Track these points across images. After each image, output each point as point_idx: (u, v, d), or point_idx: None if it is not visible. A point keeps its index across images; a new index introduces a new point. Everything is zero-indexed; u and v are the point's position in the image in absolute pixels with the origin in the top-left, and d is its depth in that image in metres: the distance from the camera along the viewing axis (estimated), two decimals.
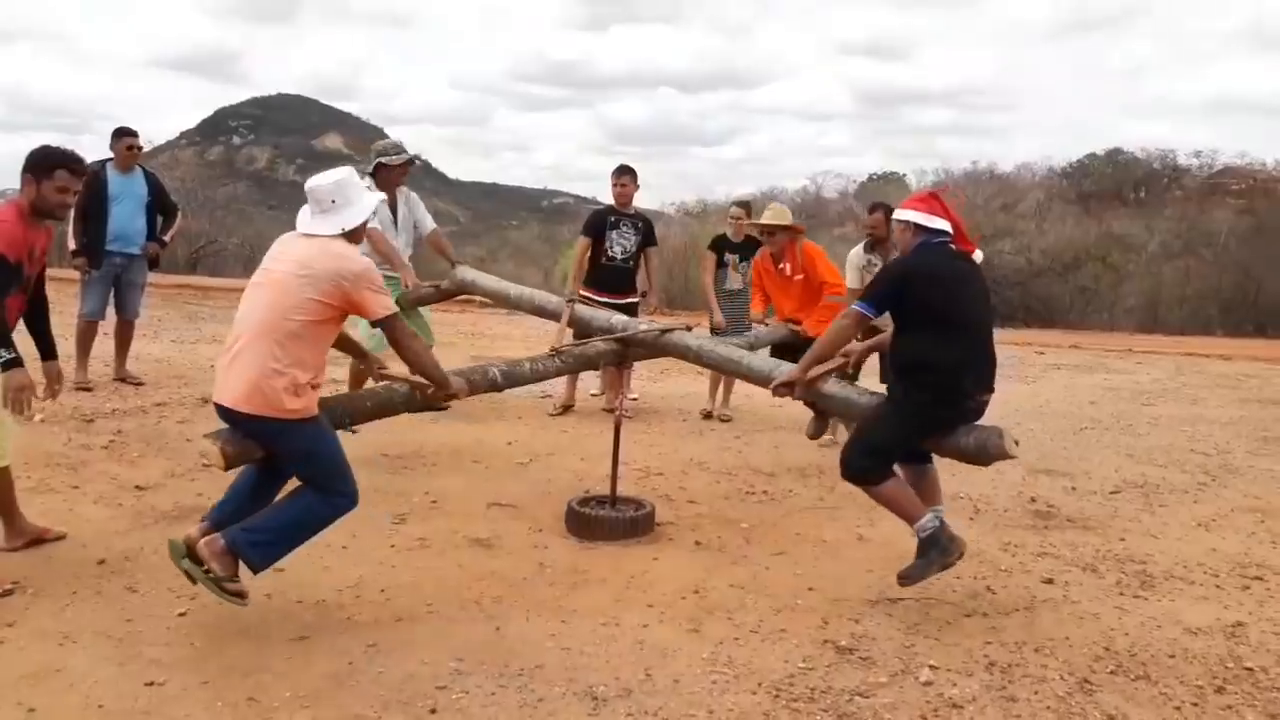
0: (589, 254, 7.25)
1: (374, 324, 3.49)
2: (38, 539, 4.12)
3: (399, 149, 5.98)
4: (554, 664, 3.24)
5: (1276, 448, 7.47)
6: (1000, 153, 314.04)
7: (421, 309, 6.18)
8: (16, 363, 3.64)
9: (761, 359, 4.78)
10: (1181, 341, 18.79)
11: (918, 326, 3.85)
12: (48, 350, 4.08)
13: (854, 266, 6.85)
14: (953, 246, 3.99)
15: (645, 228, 7.36)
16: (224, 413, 3.40)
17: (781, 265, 6.29)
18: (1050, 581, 4.24)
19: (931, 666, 3.33)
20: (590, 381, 8.11)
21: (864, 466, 3.89)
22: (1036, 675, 3.32)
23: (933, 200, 4.06)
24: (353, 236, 3.51)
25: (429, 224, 6.25)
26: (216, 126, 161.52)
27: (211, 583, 3.28)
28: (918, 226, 3.98)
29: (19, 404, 3.68)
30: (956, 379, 3.76)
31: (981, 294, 4.00)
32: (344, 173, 3.59)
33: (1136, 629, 3.75)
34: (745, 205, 8.14)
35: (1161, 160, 46.52)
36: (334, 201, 3.46)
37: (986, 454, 3.74)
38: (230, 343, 3.39)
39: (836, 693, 3.12)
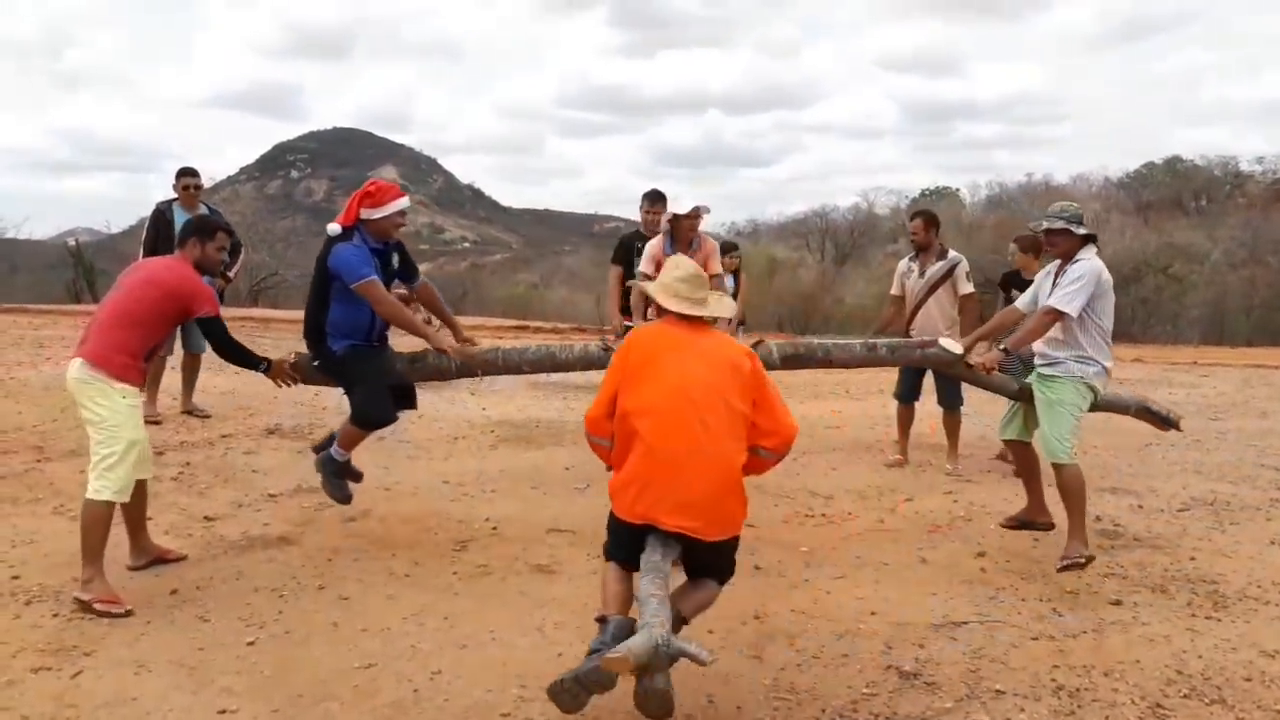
0: (621, 282, 6.95)
1: None
2: (159, 558, 4.40)
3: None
4: (616, 691, 3.24)
5: None
6: (1054, 165, 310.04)
7: None
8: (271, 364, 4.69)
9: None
10: (1248, 353, 18.35)
11: None
12: None
13: (898, 274, 6.95)
14: None
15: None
16: None
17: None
18: (1118, 603, 4.16)
19: (998, 691, 3.29)
20: None
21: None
22: (1107, 700, 3.26)
23: None
24: None
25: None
26: (275, 161, 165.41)
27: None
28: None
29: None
30: None
31: None
32: None
33: (1210, 651, 3.67)
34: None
35: (1222, 167, 45.66)
36: None
37: None
38: None
39: (901, 718, 3.09)
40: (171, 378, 7.60)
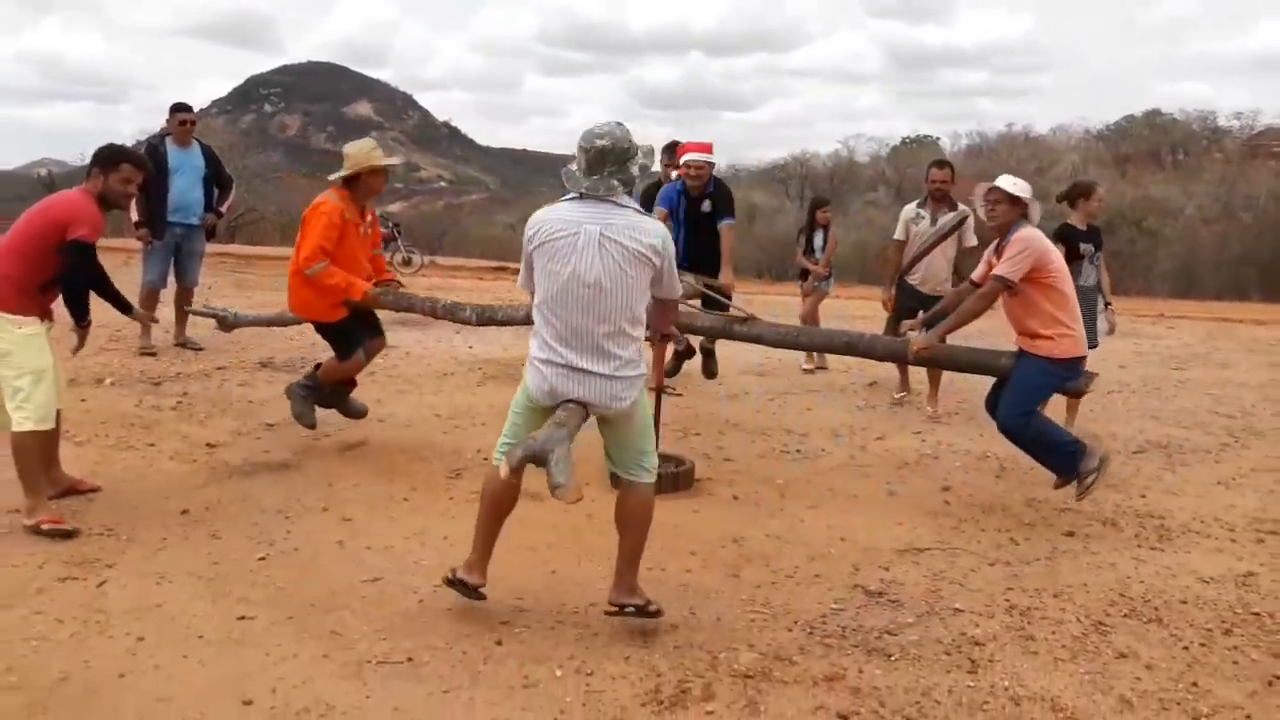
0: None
1: None
2: (72, 489, 4.40)
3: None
4: (605, 603, 3.52)
5: None
6: (1036, 115, 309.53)
7: None
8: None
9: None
10: (1215, 307, 18.75)
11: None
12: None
13: (903, 220, 7.09)
14: None
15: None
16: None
17: (369, 217, 5.39)
18: (1071, 534, 4.47)
19: (956, 609, 3.59)
20: None
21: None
22: (1055, 618, 3.56)
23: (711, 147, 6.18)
24: None
25: None
26: (248, 95, 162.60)
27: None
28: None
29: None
30: None
31: None
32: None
33: (1151, 577, 3.98)
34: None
35: (1201, 121, 45.87)
36: None
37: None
38: (1077, 310, 4.64)
39: (866, 630, 3.38)
40: (163, 310, 7.74)
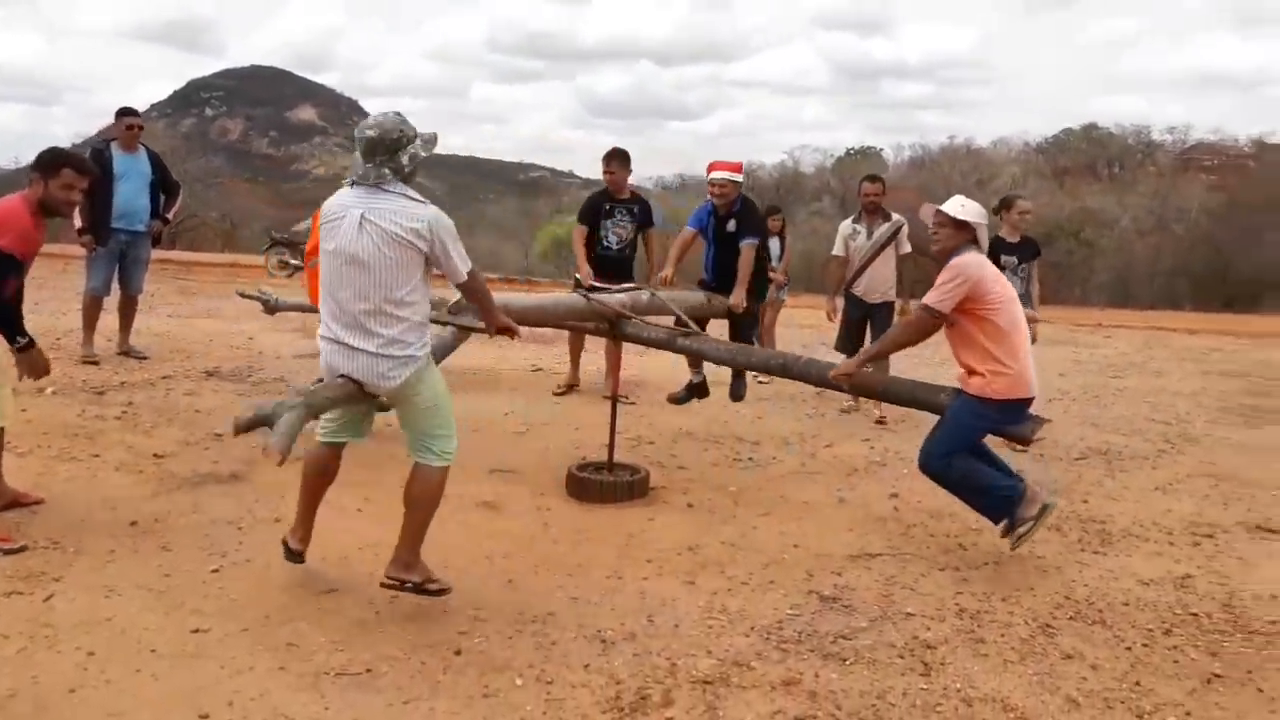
0: (588, 240, 7.19)
1: None
2: (15, 502, 4.26)
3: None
4: (564, 612, 3.54)
5: (1234, 417, 7.86)
6: (977, 127, 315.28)
7: None
8: (32, 344, 4.05)
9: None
10: (1150, 316, 19.27)
11: (765, 246, 5.87)
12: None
13: (841, 236, 7.28)
14: None
15: (642, 212, 7.31)
16: (1032, 401, 4.19)
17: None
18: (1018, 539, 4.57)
19: (908, 613, 3.66)
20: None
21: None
22: (1003, 620, 3.65)
23: (741, 166, 5.78)
24: None
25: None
26: (188, 99, 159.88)
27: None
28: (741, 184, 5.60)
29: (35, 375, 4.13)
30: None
31: None
32: None
33: (1095, 580, 4.09)
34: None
35: (1136, 135, 47.11)
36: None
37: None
38: (1025, 345, 4.16)
39: (822, 635, 3.44)
40: (106, 319, 7.61)
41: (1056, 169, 43.29)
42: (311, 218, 5.69)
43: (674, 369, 8.72)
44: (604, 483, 4.88)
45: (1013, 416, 4.16)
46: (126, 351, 7.46)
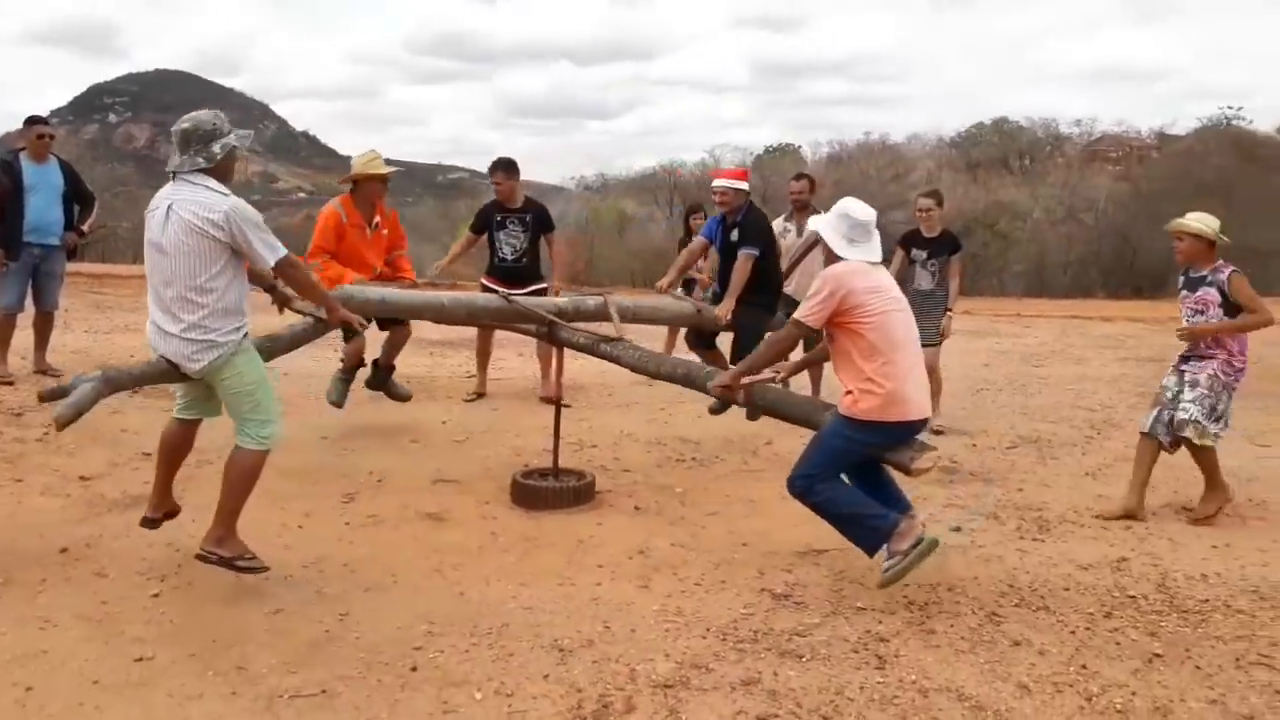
0: (489, 247, 7.30)
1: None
2: None
3: (228, 123, 3.83)
4: (519, 622, 3.51)
5: None
6: (892, 123, 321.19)
7: None
8: None
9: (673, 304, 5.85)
10: (1066, 305, 19.83)
11: (767, 256, 5.83)
12: None
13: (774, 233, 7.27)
14: None
15: (535, 218, 7.28)
16: (918, 425, 3.84)
17: (375, 220, 5.96)
18: (958, 529, 4.67)
19: (859, 608, 3.71)
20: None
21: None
22: (951, 611, 3.72)
23: (747, 173, 5.84)
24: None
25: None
26: (90, 104, 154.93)
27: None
28: (746, 192, 5.81)
29: None
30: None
31: None
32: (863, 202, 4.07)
33: (1036, 567, 4.19)
34: (936, 194, 7.43)
35: (1044, 128, 48.30)
36: (873, 231, 3.96)
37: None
38: (909, 362, 3.78)
39: (777, 634, 3.46)
40: (20, 337, 7.34)
41: (970, 163, 44.19)
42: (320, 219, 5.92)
43: (608, 372, 8.72)
44: (550, 489, 4.85)
45: (885, 440, 3.78)
46: (44, 370, 7.19)
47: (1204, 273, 4.99)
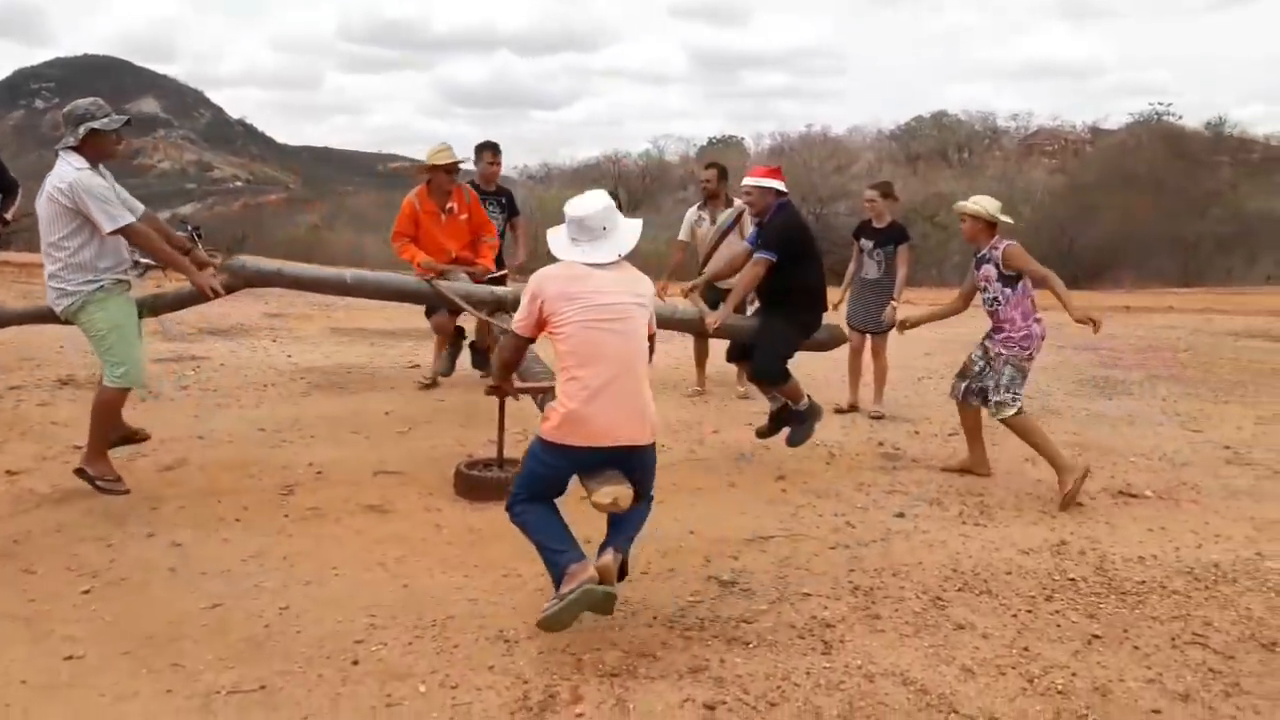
0: None
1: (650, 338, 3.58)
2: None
3: (105, 109, 4.48)
4: (464, 613, 3.47)
5: (1090, 389, 8.28)
6: (833, 116, 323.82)
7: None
8: None
9: (685, 308, 5.59)
10: None
11: (797, 262, 5.18)
12: None
13: (686, 223, 7.56)
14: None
15: (509, 201, 7.51)
16: (610, 453, 3.33)
17: (450, 205, 6.39)
18: (901, 515, 4.71)
19: (805, 594, 3.72)
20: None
21: (780, 370, 5.17)
22: (896, 596, 3.74)
23: (779, 171, 5.49)
24: None
25: (139, 206, 4.70)
26: (15, 89, 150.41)
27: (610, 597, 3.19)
28: (775, 191, 5.27)
29: None
30: (823, 298, 5.42)
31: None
32: (605, 196, 3.54)
33: (978, 552, 4.24)
34: (883, 186, 7.44)
35: (982, 122, 49.14)
36: (604, 228, 3.45)
37: (835, 340, 5.63)
38: (596, 383, 3.26)
39: (723, 621, 3.46)
40: None
41: (910, 155, 44.78)
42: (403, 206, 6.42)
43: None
44: (495, 480, 4.80)
45: (569, 464, 3.41)
46: None
47: (984, 250, 5.37)
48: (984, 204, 5.39)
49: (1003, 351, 5.27)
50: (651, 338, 3.58)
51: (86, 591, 3.57)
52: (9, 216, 6.93)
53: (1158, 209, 28.69)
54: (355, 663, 3.11)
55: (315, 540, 4.17)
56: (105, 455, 4.56)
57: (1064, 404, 7.55)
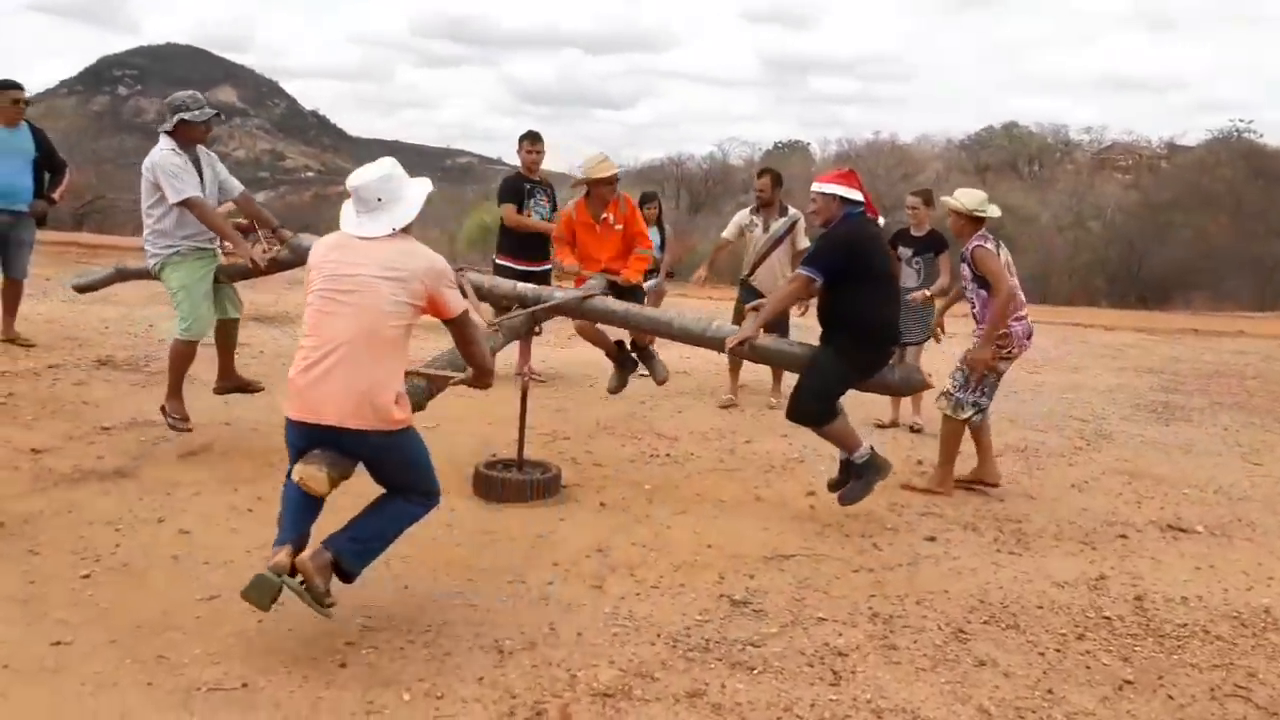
0: (504, 221, 7.30)
1: (448, 322, 3.39)
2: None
3: (199, 102, 5.05)
4: (461, 620, 3.36)
5: (1147, 414, 7.94)
6: (901, 123, 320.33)
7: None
8: None
9: (693, 318, 5.02)
10: (1067, 312, 19.59)
11: (856, 285, 4.46)
12: None
13: (736, 223, 7.41)
14: (867, 215, 4.63)
15: (552, 193, 7.47)
16: (320, 431, 3.13)
17: (605, 215, 6.20)
18: (933, 539, 4.50)
19: (819, 618, 3.55)
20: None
21: (818, 410, 4.52)
22: (916, 625, 3.55)
23: (851, 176, 4.69)
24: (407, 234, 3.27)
25: (236, 186, 5.32)
26: (100, 76, 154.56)
27: (312, 597, 3.04)
28: (843, 199, 4.56)
29: None
30: (889, 329, 4.59)
31: (889, 255, 4.69)
32: (386, 166, 3.33)
33: (1009, 583, 4.03)
34: (924, 194, 7.05)
35: (1054, 134, 48.05)
36: (380, 199, 3.24)
37: (911, 385, 4.85)
38: (314, 356, 3.11)
39: (730, 643, 3.30)
40: None
41: (979, 165, 43.96)
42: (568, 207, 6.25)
43: (593, 363, 8.54)
44: (513, 481, 4.69)
45: (294, 439, 3.25)
46: (11, 339, 7.02)
47: (966, 247, 5.13)
48: (963, 198, 5.16)
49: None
50: (454, 322, 3.42)
51: (86, 576, 3.52)
52: (56, 196, 6.97)
53: (1234, 229, 27.78)
54: (343, 665, 3.01)
55: (324, 534, 4.08)
56: (179, 395, 5.12)
57: (1118, 428, 7.24)
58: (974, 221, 5.12)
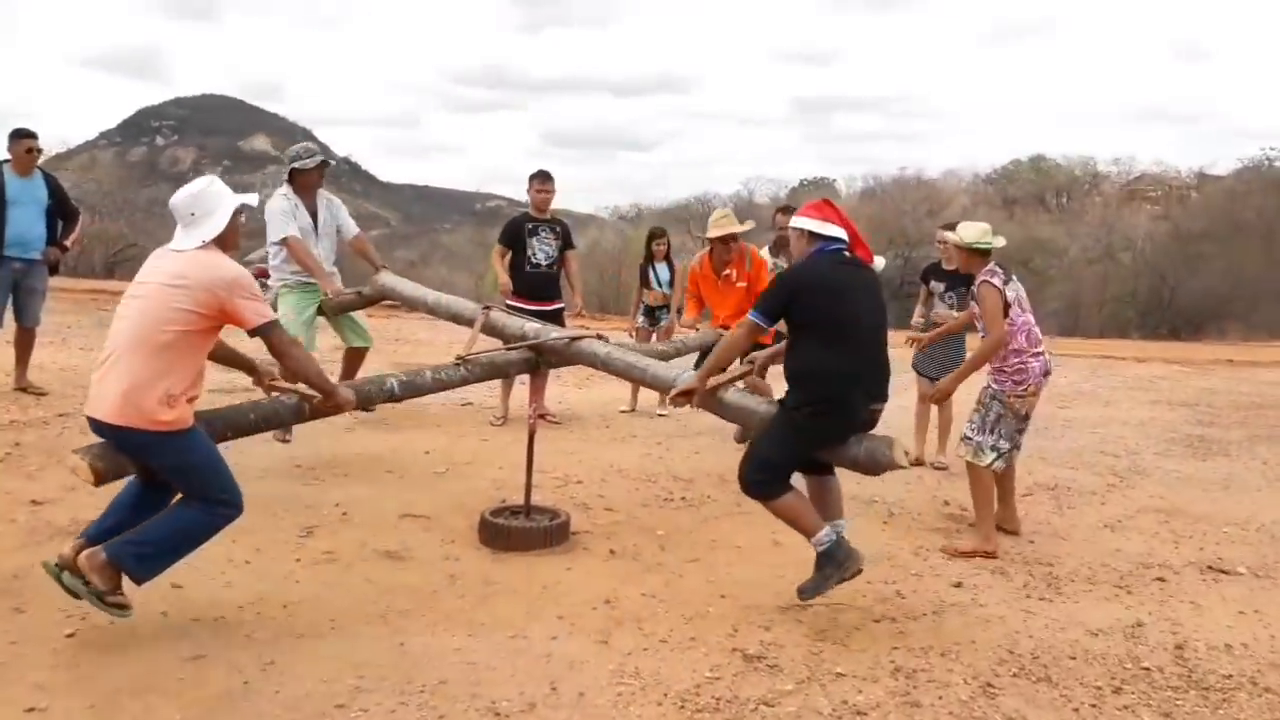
0: (512, 262, 7.23)
1: (251, 333, 3.40)
2: None
3: (311, 152, 5.85)
4: (458, 679, 3.18)
5: (1182, 449, 7.68)
6: (927, 158, 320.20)
7: (357, 314, 6.18)
8: None
9: (664, 367, 4.75)
10: (1098, 344, 19.28)
11: (807, 335, 3.86)
12: None
13: None
14: (846, 254, 4.00)
15: (564, 231, 7.38)
16: (96, 426, 3.33)
17: (727, 272, 6.42)
18: (959, 585, 4.29)
19: (838, 674, 3.34)
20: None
21: (758, 481, 3.91)
22: (941, 680, 3.34)
23: (825, 207, 4.09)
24: (224, 244, 3.42)
25: (352, 228, 6.11)
26: (138, 127, 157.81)
27: (94, 596, 3.23)
28: (812, 234, 3.98)
29: None
30: (846, 390, 3.77)
31: (872, 301, 3.96)
32: (201, 184, 3.52)
33: (1040, 631, 3.81)
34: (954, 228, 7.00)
35: (1082, 167, 47.78)
36: (193, 214, 3.40)
37: (876, 464, 3.81)
38: (104, 356, 3.33)
39: (742, 702, 3.11)
40: (2, 352, 7.15)
41: (1006, 199, 43.72)
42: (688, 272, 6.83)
43: (610, 403, 8.40)
44: (519, 529, 4.53)
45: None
46: (24, 387, 6.98)
47: (974, 282, 4.93)
48: (964, 232, 4.97)
49: (992, 385, 4.87)
50: (257, 333, 3.40)
51: (71, 635, 3.38)
52: (69, 244, 6.95)
53: (1267, 258, 27.34)
54: None
55: (321, 588, 3.95)
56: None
57: (1152, 464, 6.98)
58: (979, 255, 4.89)
